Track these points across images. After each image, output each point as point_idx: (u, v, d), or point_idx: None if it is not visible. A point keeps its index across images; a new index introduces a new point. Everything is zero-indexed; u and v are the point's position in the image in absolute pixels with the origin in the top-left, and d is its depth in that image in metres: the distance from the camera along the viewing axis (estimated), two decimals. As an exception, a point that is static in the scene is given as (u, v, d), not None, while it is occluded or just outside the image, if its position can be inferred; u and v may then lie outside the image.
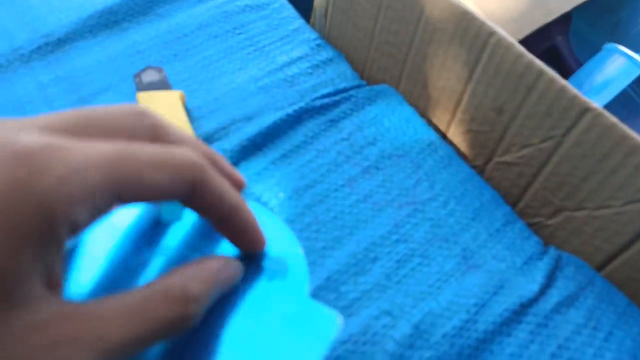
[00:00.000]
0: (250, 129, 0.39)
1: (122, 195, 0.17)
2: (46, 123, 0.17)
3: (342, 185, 0.37)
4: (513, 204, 0.41)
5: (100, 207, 0.17)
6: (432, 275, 0.33)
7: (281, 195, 0.36)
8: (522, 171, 0.40)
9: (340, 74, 0.45)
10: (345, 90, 0.43)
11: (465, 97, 0.41)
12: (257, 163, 0.38)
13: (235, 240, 0.23)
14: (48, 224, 0.15)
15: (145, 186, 0.18)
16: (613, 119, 0.32)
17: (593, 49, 0.49)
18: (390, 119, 0.41)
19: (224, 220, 0.22)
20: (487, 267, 0.34)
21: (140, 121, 0.20)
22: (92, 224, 0.18)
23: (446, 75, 0.42)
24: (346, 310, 0.31)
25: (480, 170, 0.43)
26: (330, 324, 0.21)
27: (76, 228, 0.17)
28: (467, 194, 0.38)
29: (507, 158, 0.41)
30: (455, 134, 0.44)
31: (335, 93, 0.43)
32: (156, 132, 0.21)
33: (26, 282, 0.15)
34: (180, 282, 0.19)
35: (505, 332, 0.31)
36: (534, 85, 0.36)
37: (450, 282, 0.33)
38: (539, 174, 0.39)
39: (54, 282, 0.17)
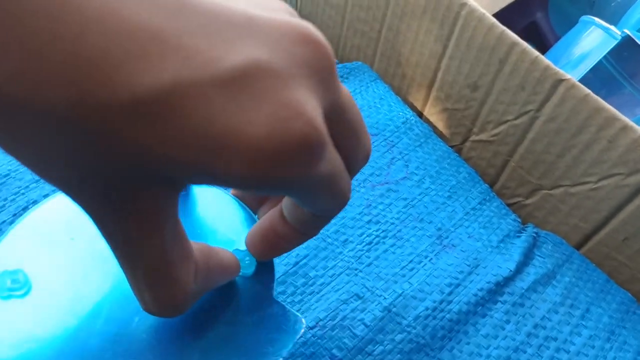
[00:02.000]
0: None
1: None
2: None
3: (313, 167, 0.36)
4: (490, 185, 0.40)
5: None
6: (405, 256, 0.32)
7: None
8: (498, 149, 0.39)
9: (311, 53, 0.43)
10: (316, 69, 0.42)
11: (440, 74, 0.40)
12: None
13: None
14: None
15: None
16: (587, 90, 0.31)
17: (572, 24, 0.48)
18: (363, 97, 0.40)
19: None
20: (463, 246, 0.33)
21: None
22: None
23: (419, 51, 0.40)
24: (315, 295, 0.30)
25: (457, 150, 0.41)
26: (295, 324, 0.21)
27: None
28: (443, 173, 0.36)
29: (483, 136, 0.40)
30: (432, 113, 0.43)
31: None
32: None
33: None
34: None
35: (480, 312, 0.30)
36: (507, 58, 0.34)
37: (424, 263, 0.32)
38: (515, 152, 0.38)
39: None
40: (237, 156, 0.12)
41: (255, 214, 0.24)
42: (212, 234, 0.23)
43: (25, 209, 0.33)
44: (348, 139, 0.16)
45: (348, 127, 0.16)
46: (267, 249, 0.21)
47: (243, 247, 0.22)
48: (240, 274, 0.22)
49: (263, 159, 0.13)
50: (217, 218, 0.24)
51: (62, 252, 0.21)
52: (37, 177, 0.34)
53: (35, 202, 0.33)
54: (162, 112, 0.12)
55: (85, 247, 0.22)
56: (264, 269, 0.22)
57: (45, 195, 0.33)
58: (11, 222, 0.32)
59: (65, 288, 0.21)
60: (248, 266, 0.22)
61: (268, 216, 0.21)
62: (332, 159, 0.15)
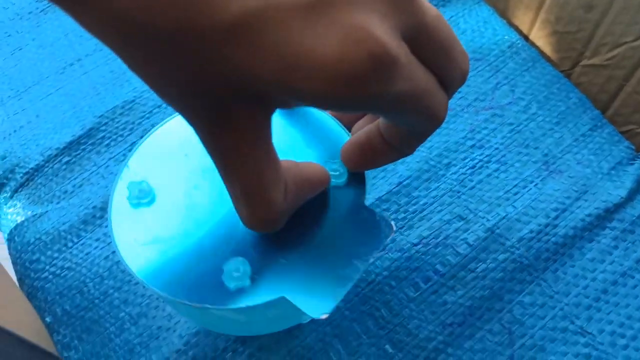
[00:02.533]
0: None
1: None
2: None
3: (415, 92, 0.36)
4: (602, 112, 0.38)
5: None
6: (509, 181, 0.32)
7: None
8: (613, 74, 0.37)
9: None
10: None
11: (552, -6, 0.38)
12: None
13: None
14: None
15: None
16: None
17: None
18: (466, 21, 0.39)
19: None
20: (571, 172, 0.32)
21: None
22: None
23: (530, -30, 0.38)
24: (417, 214, 0.31)
25: (566, 76, 0.40)
26: (386, 227, 0.22)
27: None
28: (551, 98, 0.35)
29: (595, 60, 0.38)
30: (539, 37, 0.41)
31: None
32: None
33: None
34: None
35: (586, 237, 0.30)
36: (633, -29, 0.32)
37: (529, 188, 0.32)
38: (632, 76, 0.36)
39: None
40: (312, 74, 0.14)
41: (349, 130, 0.25)
42: (305, 149, 0.25)
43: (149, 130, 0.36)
44: (439, 58, 0.17)
45: (437, 46, 0.16)
46: (361, 161, 0.22)
47: (335, 160, 0.24)
48: (332, 184, 0.23)
49: (336, 78, 0.14)
50: (311, 133, 0.25)
51: (178, 166, 0.24)
52: (158, 103, 0.37)
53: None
54: (248, 33, 0.13)
55: (197, 162, 0.24)
56: (356, 179, 0.24)
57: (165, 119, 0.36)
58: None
59: (182, 197, 0.23)
60: (339, 176, 0.23)
61: (366, 130, 0.22)
62: (414, 77, 0.16)
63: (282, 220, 0.19)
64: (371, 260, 0.21)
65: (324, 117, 0.26)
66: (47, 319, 0.31)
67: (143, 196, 0.23)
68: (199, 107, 0.15)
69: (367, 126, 0.22)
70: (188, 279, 0.21)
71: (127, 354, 0.29)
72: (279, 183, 0.18)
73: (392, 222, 0.22)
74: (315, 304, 0.20)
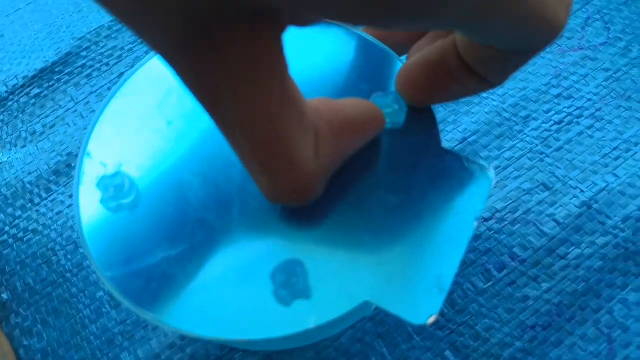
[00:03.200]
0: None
1: None
2: None
3: (482, 25, 0.28)
4: None
5: None
6: (607, 142, 0.25)
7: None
8: None
9: None
10: None
11: None
12: None
13: None
14: None
15: None
16: None
17: None
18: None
19: None
20: (688, 134, 0.25)
21: None
22: None
23: None
24: (488, 181, 0.24)
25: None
26: (482, 175, 0.16)
27: None
28: (658, 38, 0.27)
29: None
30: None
31: None
32: None
33: None
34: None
35: None
36: None
37: (634, 152, 0.24)
38: None
39: None
40: None
41: (402, 56, 0.18)
42: (340, 80, 0.17)
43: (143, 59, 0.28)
44: None
45: None
46: (429, 90, 0.15)
47: (386, 93, 0.17)
48: (389, 126, 0.16)
49: None
50: (343, 59, 0.18)
51: (162, 138, 0.16)
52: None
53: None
54: None
55: (185, 129, 0.17)
56: (420, 115, 0.17)
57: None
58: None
59: (179, 184, 0.16)
60: (397, 114, 0.16)
61: (437, 47, 0.15)
62: None
63: (318, 186, 0.13)
64: (476, 224, 0.15)
65: (360, 35, 0.18)
66: (4, 296, 0.24)
67: (123, 195, 0.16)
68: (182, 29, 0.10)
69: (439, 42, 0.15)
70: (224, 307, 0.14)
71: (104, 346, 0.22)
72: (306, 131, 0.12)
73: (491, 168, 0.16)
74: (413, 303, 0.13)
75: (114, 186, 0.16)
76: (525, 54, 0.13)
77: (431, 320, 0.13)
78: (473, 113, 0.26)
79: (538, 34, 0.12)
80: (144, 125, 0.17)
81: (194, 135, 0.17)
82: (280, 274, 0.14)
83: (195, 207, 0.15)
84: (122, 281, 0.14)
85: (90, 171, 0.16)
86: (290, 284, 0.14)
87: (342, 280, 0.14)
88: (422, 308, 0.13)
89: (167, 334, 0.22)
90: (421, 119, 0.17)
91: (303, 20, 0.12)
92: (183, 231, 0.15)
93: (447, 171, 0.16)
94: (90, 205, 0.16)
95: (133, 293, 0.14)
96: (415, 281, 0.14)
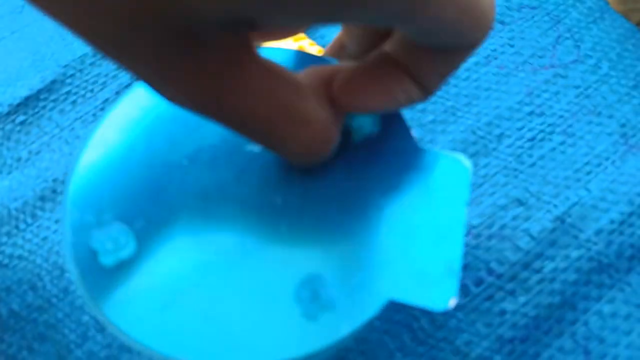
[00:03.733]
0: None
1: None
2: None
3: (457, 45, 0.29)
4: (677, 75, 0.31)
5: None
6: (579, 157, 0.25)
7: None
8: (697, 30, 0.30)
9: None
10: None
11: None
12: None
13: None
14: None
15: None
16: None
17: None
18: (519, -39, 0.32)
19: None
20: (656, 147, 0.26)
21: None
22: None
23: None
24: (465, 197, 0.25)
25: (631, 33, 0.33)
26: (459, 165, 0.17)
27: None
28: (626, 56, 0.28)
29: (675, 13, 0.31)
30: (601, -14, 0.34)
31: None
32: None
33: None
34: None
35: (681, 230, 0.24)
36: None
37: (605, 166, 0.25)
38: None
39: None
40: None
41: None
42: None
43: (128, 85, 0.29)
44: None
45: None
46: (362, 96, 0.16)
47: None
48: (367, 134, 0.17)
49: None
50: None
51: (151, 175, 0.17)
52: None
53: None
54: None
55: (182, 152, 0.17)
56: (391, 122, 0.18)
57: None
58: (113, 101, 0.29)
59: (181, 220, 0.16)
60: (372, 124, 0.17)
61: (375, 53, 0.16)
62: None
63: (335, 131, 0.15)
64: (466, 209, 0.16)
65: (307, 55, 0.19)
66: (-11, 322, 0.24)
67: (120, 247, 0.15)
68: (152, 43, 0.11)
69: (373, 55, 0.16)
70: (248, 331, 0.15)
71: (90, 370, 0.22)
72: (306, 97, 0.14)
73: (465, 158, 0.17)
74: (431, 291, 0.14)
75: (111, 239, 0.15)
76: (455, 53, 0.14)
77: (452, 302, 0.14)
78: (448, 132, 0.26)
79: (472, 29, 0.13)
80: (131, 158, 0.17)
81: (189, 154, 0.17)
82: (303, 289, 0.15)
83: (198, 244, 0.16)
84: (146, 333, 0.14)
85: (78, 225, 0.16)
86: (314, 298, 0.14)
87: (360, 284, 0.15)
88: (441, 294, 0.14)
89: (152, 357, 0.22)
90: (393, 125, 0.17)
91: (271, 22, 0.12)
92: (191, 261, 0.15)
93: (427, 167, 0.17)
94: (85, 267, 0.15)
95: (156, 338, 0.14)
96: (428, 271, 0.14)
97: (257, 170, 0.17)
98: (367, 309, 0.14)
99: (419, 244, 0.15)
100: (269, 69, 0.13)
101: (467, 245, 0.23)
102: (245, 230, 0.16)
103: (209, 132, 0.18)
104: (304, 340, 0.14)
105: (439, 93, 0.27)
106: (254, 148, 0.17)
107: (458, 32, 0.13)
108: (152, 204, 0.16)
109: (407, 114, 0.27)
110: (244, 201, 0.16)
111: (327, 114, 0.14)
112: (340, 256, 0.15)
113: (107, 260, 0.15)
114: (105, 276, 0.15)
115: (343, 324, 0.14)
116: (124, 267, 0.15)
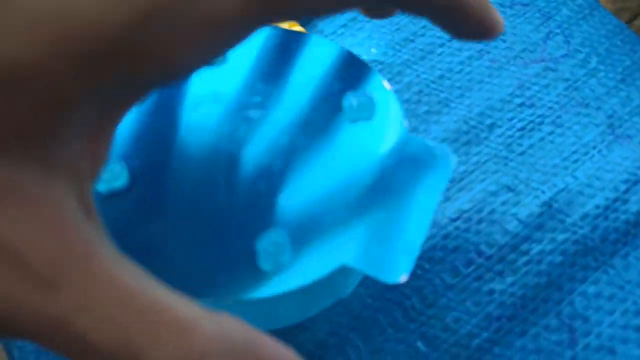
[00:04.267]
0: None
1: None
2: None
3: (450, 39, 0.30)
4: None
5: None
6: (567, 146, 0.26)
7: (373, 50, 0.30)
8: (684, 27, 0.31)
9: None
10: None
11: None
12: (342, 14, 0.31)
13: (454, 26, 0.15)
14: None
15: None
16: None
17: None
18: (512, -39, 0.33)
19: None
20: (641, 137, 0.27)
21: None
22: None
23: None
24: (456, 184, 0.26)
25: (622, 31, 0.34)
26: (445, 157, 0.18)
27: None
28: (613, 51, 0.29)
29: (663, 11, 0.32)
30: (592, -15, 0.35)
31: None
32: None
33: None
34: None
35: (664, 216, 0.24)
36: None
37: (591, 155, 0.26)
38: None
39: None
40: None
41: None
42: (314, 84, 0.20)
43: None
44: None
45: None
46: None
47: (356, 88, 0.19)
48: (357, 123, 0.19)
49: None
50: (318, 65, 0.20)
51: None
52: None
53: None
54: None
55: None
56: (388, 109, 0.19)
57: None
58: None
59: (167, 166, 0.17)
60: (362, 109, 0.19)
61: None
62: None
63: None
64: (439, 197, 0.17)
65: (331, 43, 0.20)
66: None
67: (114, 177, 0.17)
68: None
69: None
70: (209, 266, 0.16)
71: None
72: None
73: (454, 155, 0.18)
74: (387, 265, 0.15)
75: (106, 170, 0.17)
76: None
77: (403, 278, 0.15)
78: (442, 122, 0.27)
79: None
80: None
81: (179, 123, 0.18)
82: (264, 241, 0.16)
83: (184, 184, 0.17)
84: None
85: None
86: (273, 251, 0.16)
87: (321, 248, 0.16)
88: (394, 269, 0.15)
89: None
90: (388, 112, 0.19)
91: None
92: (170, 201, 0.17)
93: (414, 155, 0.18)
94: None
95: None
96: (388, 246, 0.15)
97: (252, 131, 0.18)
98: (320, 269, 0.15)
99: (386, 221, 0.16)
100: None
101: (457, 228, 0.24)
102: (228, 184, 0.17)
103: (211, 90, 0.19)
104: (253, 288, 0.15)
105: (432, 85, 0.28)
106: (254, 114, 0.19)
107: None
108: (150, 147, 0.18)
109: (403, 104, 0.28)
110: (232, 158, 0.17)
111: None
112: (308, 218, 0.16)
113: (101, 187, 0.17)
114: (97, 201, 0.16)
115: (292, 280, 0.15)
116: (114, 197, 0.17)
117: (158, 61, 0.09)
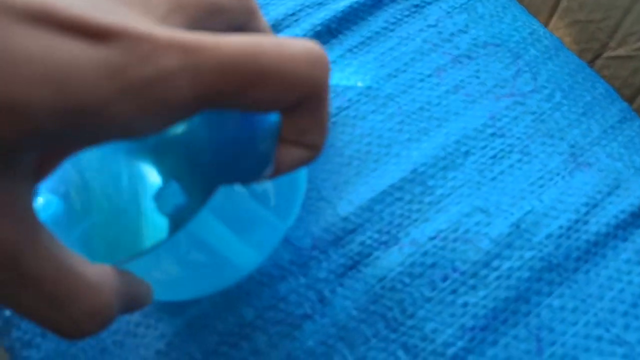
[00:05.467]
0: (323, 14, 0.35)
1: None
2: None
3: (429, 75, 0.33)
4: (624, 106, 0.35)
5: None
6: (533, 172, 0.29)
7: (360, 84, 0.32)
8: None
9: (425, -41, 0.40)
10: (432, -26, 0.38)
11: (575, -20, 0.35)
12: (332, 51, 0.34)
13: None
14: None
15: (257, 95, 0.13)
16: None
17: None
18: (484, 5, 0.36)
19: (293, 141, 0.16)
20: (600, 165, 0.29)
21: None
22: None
23: (554, -47, 0.36)
24: (433, 206, 0.28)
25: (585, 69, 0.37)
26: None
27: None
28: (576, 87, 0.32)
29: (621, 51, 0.35)
30: (558, 27, 0.38)
31: (421, -23, 0.38)
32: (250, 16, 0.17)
33: None
34: None
35: (620, 236, 0.27)
36: (673, -50, 0.29)
37: (555, 181, 0.29)
38: (661, 69, 0.33)
39: None
40: None
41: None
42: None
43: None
44: None
45: None
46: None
47: None
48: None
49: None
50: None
51: None
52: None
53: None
54: None
55: None
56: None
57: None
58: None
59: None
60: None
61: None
62: None
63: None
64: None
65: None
66: (6, 312, 0.26)
67: (49, 206, 0.20)
68: None
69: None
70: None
71: (98, 355, 0.25)
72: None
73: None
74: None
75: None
76: (309, 111, 0.15)
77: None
78: (422, 149, 0.30)
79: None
80: None
81: None
82: (162, 190, 0.19)
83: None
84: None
85: None
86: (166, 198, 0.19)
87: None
88: None
89: (153, 342, 0.25)
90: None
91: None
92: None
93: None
94: None
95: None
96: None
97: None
98: (199, 217, 0.17)
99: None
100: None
101: (435, 246, 0.27)
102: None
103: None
104: (152, 236, 0.18)
105: (413, 116, 0.31)
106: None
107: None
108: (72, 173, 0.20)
109: (386, 132, 0.30)
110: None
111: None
112: (199, 173, 0.19)
113: (41, 216, 0.19)
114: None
115: (180, 230, 0.17)
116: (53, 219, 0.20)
117: (115, 129, 0.12)
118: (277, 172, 0.16)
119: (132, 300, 0.15)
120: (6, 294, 0.12)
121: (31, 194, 0.13)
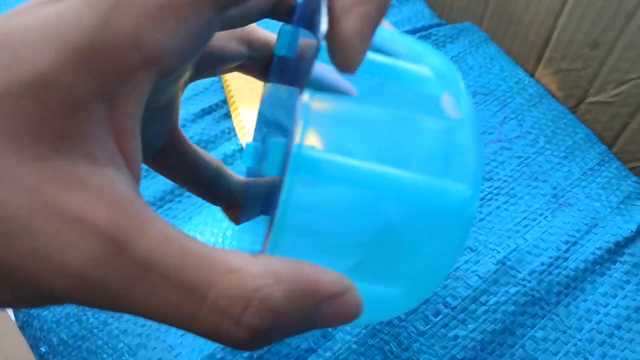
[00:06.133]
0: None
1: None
2: None
3: (422, 124, 0.36)
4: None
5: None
6: (519, 213, 0.32)
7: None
8: (618, 111, 0.37)
9: (416, 13, 0.43)
10: (424, 28, 0.42)
11: (556, 33, 0.39)
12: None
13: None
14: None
15: None
16: None
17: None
18: (474, 57, 0.39)
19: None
20: (580, 205, 0.32)
21: None
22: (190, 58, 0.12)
23: (534, 10, 0.39)
24: (427, 246, 0.31)
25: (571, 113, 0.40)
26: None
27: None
28: (558, 132, 0.35)
29: (600, 97, 0.38)
30: (544, 75, 0.41)
31: (414, 31, 0.41)
32: None
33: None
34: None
35: (598, 271, 0.29)
36: (636, 10, 0.32)
37: (538, 221, 0.31)
38: (637, 113, 0.36)
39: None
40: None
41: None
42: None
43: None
44: None
45: None
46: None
47: None
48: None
49: None
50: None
51: None
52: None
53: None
54: None
55: None
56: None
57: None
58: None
59: None
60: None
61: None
62: None
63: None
64: None
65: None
66: (42, 349, 0.30)
67: None
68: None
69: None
70: None
71: (125, 386, 0.28)
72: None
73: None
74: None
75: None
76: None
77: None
78: (415, 193, 0.33)
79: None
80: None
81: None
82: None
83: None
84: None
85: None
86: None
87: None
88: None
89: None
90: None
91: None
92: None
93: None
94: None
95: None
96: None
97: None
98: None
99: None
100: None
101: (428, 283, 0.29)
102: None
103: None
104: None
105: (407, 162, 0.34)
106: None
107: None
108: None
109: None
110: None
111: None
112: None
113: None
114: None
115: None
116: None
117: (141, 53, 0.11)
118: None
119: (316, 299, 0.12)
120: (130, 294, 0.11)
121: (134, 184, 0.12)
